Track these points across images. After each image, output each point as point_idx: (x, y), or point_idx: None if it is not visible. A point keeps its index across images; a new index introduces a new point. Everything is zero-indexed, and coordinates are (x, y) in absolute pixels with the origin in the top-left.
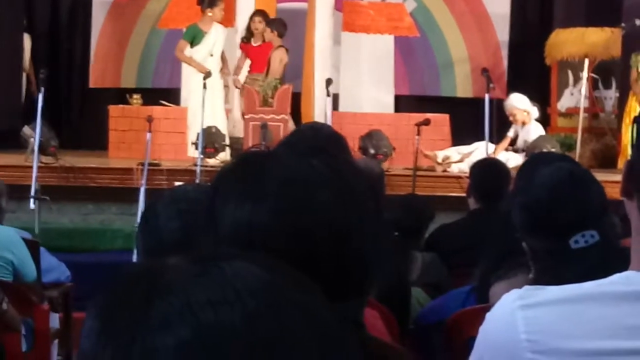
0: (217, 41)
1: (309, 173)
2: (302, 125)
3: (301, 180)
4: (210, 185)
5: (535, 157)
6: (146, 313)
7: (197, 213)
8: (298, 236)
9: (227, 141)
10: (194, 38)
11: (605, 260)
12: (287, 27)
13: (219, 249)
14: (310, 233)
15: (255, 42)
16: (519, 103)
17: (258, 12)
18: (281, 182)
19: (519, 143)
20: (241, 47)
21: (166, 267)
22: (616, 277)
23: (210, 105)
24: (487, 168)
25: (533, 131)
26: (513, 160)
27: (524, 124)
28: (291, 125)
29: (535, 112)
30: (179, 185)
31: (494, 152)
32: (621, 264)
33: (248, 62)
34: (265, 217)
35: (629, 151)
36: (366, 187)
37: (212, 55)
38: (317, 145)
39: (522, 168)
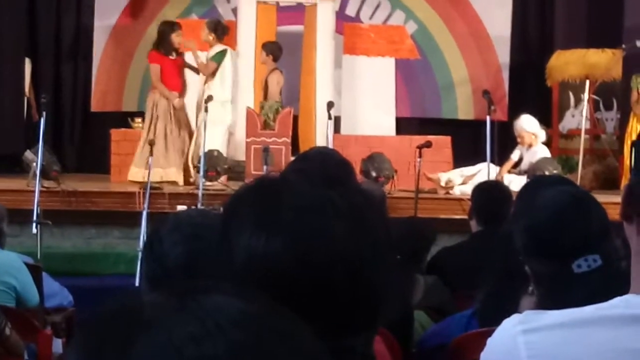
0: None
1: (325, 204)
2: (310, 150)
3: (317, 211)
4: (223, 210)
5: (535, 180)
6: (128, 351)
7: (202, 238)
8: (313, 267)
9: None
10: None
11: (608, 285)
12: (289, 50)
13: (196, 282)
14: (325, 264)
15: (172, 56)
16: (528, 125)
17: (180, 26)
18: (297, 213)
19: (524, 165)
20: (157, 58)
21: (145, 304)
22: (616, 300)
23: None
24: (489, 190)
25: (540, 153)
26: (516, 182)
27: (530, 146)
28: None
29: (542, 135)
30: (183, 211)
31: (499, 174)
32: (624, 287)
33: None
34: (280, 247)
35: None
36: (379, 218)
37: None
38: (329, 172)
39: (523, 191)
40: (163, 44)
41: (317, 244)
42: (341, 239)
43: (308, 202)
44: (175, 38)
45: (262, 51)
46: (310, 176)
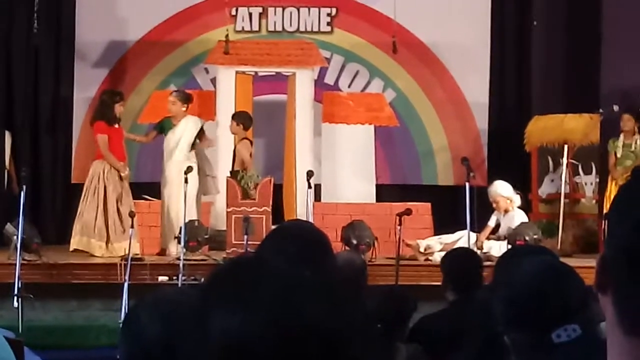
0: (185, 132)
1: (302, 283)
2: (285, 223)
3: (294, 290)
4: (200, 289)
5: (513, 250)
6: None
7: (179, 317)
8: (289, 347)
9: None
10: (163, 129)
11: (588, 354)
12: (271, 119)
13: None
14: (302, 344)
15: (116, 125)
16: (503, 190)
17: (123, 96)
18: (274, 292)
19: (502, 231)
20: (104, 129)
21: None
22: None
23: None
24: (458, 259)
25: (517, 218)
26: (496, 248)
27: (506, 211)
28: None
29: (517, 200)
30: (161, 289)
31: (478, 241)
32: (603, 357)
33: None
34: (256, 326)
35: None
36: (355, 293)
37: (178, 145)
38: (304, 247)
39: (501, 261)
40: (108, 114)
41: (293, 324)
42: (316, 317)
43: (283, 281)
44: (118, 108)
45: (232, 121)
46: (285, 252)
